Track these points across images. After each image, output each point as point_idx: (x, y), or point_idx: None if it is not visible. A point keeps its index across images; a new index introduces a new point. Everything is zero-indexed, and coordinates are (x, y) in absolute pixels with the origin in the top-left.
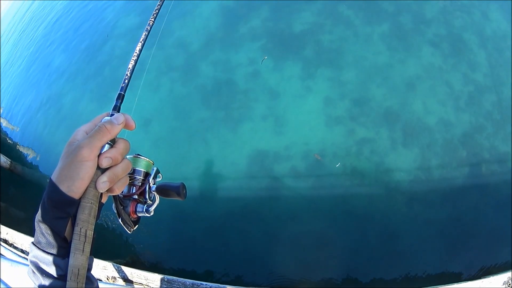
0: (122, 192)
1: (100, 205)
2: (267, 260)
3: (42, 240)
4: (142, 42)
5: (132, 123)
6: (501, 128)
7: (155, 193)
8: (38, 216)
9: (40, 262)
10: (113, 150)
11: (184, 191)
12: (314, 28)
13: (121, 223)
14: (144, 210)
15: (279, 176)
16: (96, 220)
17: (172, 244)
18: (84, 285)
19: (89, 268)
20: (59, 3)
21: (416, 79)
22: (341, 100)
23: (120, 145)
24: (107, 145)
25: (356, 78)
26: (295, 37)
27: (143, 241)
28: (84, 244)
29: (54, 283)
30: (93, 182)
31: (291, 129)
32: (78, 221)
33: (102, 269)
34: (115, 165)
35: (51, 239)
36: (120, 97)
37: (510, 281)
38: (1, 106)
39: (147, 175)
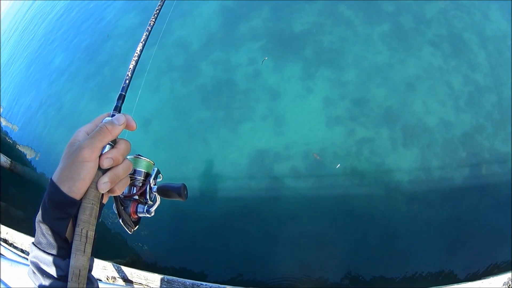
0: (123, 192)
1: (101, 205)
2: (267, 260)
3: (43, 240)
4: (143, 42)
5: (133, 124)
6: (501, 128)
7: (156, 194)
8: (39, 216)
9: (41, 262)
10: (114, 150)
11: (185, 192)
12: (314, 28)
13: (121, 223)
14: (144, 211)
15: (279, 176)
16: (97, 221)
17: (172, 244)
18: (85, 286)
19: (90, 269)
20: (60, 2)
21: (416, 79)
22: (341, 100)
23: (121, 146)
24: (108, 145)
25: (356, 78)
26: (295, 37)
27: (143, 241)
28: (85, 244)
29: (55, 284)
30: (94, 182)
31: (291, 129)
32: (79, 221)
33: (102, 269)
34: (116, 165)
35: (51, 239)
36: (121, 98)
37: (510, 281)
38: (1, 105)
39: (147, 175)
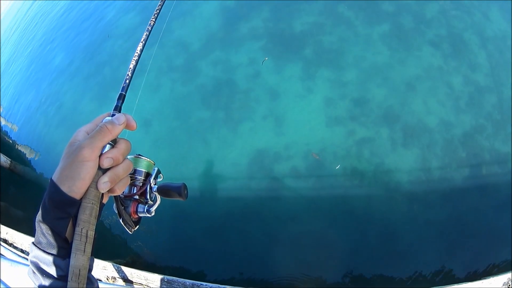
0: (123, 192)
1: (101, 205)
2: (267, 260)
3: (43, 240)
4: (143, 42)
5: (133, 124)
6: (502, 128)
7: (156, 194)
8: (39, 216)
9: (41, 262)
10: (114, 150)
11: (186, 192)
12: (314, 28)
13: (122, 223)
14: (145, 211)
15: (279, 176)
16: (97, 221)
17: (172, 244)
18: (85, 286)
19: (90, 269)
20: (60, 2)
21: (416, 80)
22: (341, 100)
23: (122, 146)
24: (108, 145)
25: (356, 78)
26: (295, 37)
27: (143, 241)
28: (85, 244)
29: (55, 284)
30: (94, 182)
31: (291, 129)
32: (79, 221)
33: (102, 269)
34: (116, 165)
35: (51, 239)
36: (121, 97)
37: (510, 282)
38: (1, 105)
39: (148, 175)
